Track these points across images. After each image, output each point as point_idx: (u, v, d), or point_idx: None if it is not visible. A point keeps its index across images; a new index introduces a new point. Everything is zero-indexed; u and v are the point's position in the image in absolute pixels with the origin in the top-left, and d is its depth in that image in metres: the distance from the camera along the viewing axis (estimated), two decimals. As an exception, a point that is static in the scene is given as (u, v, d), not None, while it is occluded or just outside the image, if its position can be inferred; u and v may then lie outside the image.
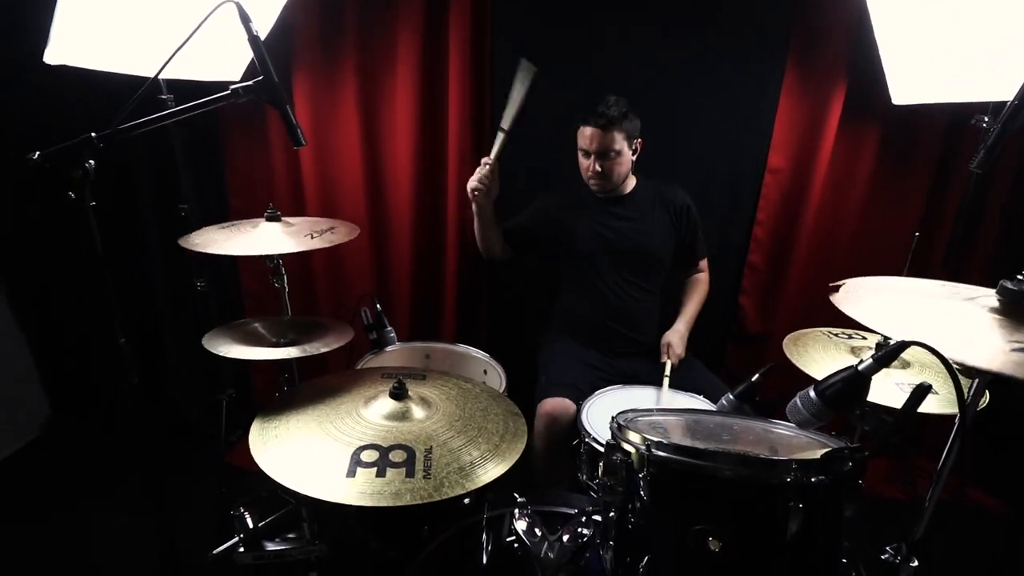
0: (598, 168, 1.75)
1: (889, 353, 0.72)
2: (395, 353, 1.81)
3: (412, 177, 2.14)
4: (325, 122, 2.11)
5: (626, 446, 0.88)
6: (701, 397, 1.63)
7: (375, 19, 2.00)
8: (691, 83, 2.07)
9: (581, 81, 2.05)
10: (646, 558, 0.83)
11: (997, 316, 0.79)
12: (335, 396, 1.19)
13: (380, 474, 0.93)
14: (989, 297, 0.85)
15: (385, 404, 1.14)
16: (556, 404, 1.59)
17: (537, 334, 2.06)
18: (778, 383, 1.52)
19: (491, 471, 0.99)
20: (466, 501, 1.18)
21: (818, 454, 0.75)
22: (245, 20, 1.04)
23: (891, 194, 2.17)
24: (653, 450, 0.79)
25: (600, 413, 1.52)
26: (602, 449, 1.36)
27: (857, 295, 0.91)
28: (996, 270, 1.09)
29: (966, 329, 0.77)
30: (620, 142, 1.73)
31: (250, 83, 1.06)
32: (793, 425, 1.06)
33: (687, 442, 0.83)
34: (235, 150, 2.16)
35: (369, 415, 1.11)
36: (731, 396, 1.49)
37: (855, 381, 0.72)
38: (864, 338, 1.40)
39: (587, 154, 1.76)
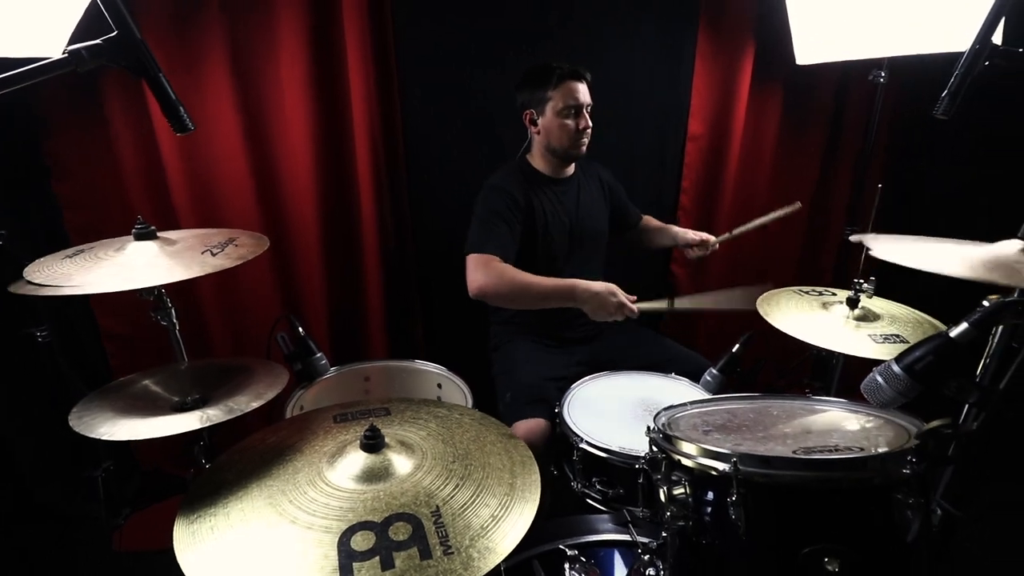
0: (590, 123, 1.62)
1: (989, 314, 0.65)
2: (328, 382, 1.50)
3: (312, 168, 1.81)
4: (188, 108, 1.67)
5: (688, 462, 0.73)
6: (673, 375, 1.54)
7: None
8: (609, 52, 1.98)
9: (494, 53, 1.88)
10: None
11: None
12: (284, 460, 0.90)
13: (387, 565, 0.69)
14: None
15: (357, 460, 0.88)
16: (530, 426, 1.41)
17: (481, 329, 1.85)
18: (754, 350, 1.50)
19: (520, 521, 0.79)
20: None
21: (903, 432, 0.66)
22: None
23: (793, 151, 2.29)
24: (741, 466, 0.65)
25: (583, 409, 1.38)
26: (596, 452, 1.24)
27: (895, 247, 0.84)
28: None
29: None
30: None
31: (99, 41, 0.72)
32: (826, 398, 1.01)
33: (767, 449, 0.70)
34: (62, 149, 1.62)
35: (340, 480, 0.85)
36: (714, 371, 1.43)
37: (948, 350, 0.65)
38: (834, 294, 1.40)
39: (576, 111, 1.59)
